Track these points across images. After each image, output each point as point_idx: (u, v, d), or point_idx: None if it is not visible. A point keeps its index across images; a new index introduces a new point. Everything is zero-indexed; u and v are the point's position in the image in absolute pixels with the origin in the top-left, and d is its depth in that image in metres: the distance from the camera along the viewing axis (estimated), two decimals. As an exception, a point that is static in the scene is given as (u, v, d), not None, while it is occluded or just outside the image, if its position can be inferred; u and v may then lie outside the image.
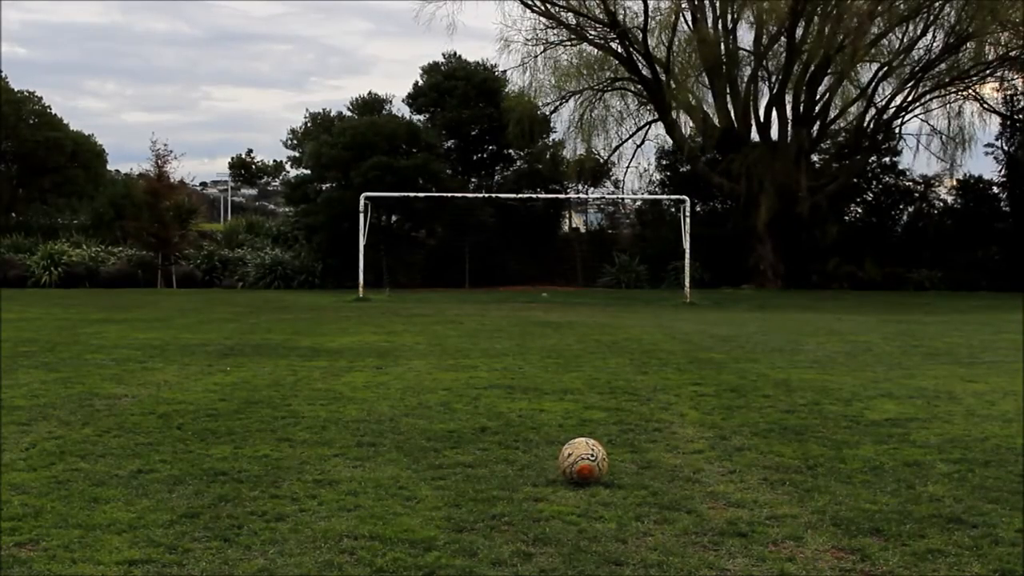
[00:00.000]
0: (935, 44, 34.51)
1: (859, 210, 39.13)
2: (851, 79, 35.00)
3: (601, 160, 38.33)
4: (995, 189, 37.72)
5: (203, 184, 70.81)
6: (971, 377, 10.09)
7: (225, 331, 15.26)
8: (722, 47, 34.59)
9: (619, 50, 34.57)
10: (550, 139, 39.42)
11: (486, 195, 34.80)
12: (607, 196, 40.63)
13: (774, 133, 35.52)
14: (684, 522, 4.70)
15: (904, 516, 4.80)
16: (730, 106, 35.21)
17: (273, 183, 73.89)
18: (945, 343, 14.03)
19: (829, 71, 34.28)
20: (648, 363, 11.23)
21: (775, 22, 33.28)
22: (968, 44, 33.35)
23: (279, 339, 13.92)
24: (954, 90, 35.75)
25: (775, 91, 35.33)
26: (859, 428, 7.19)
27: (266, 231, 39.26)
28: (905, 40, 34.62)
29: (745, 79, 35.73)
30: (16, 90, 42.36)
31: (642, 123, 38.03)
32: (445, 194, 32.36)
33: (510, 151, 39.01)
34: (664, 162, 39.58)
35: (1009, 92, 36.55)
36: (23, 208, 42.56)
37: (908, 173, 38.40)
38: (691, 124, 36.00)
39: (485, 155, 39.52)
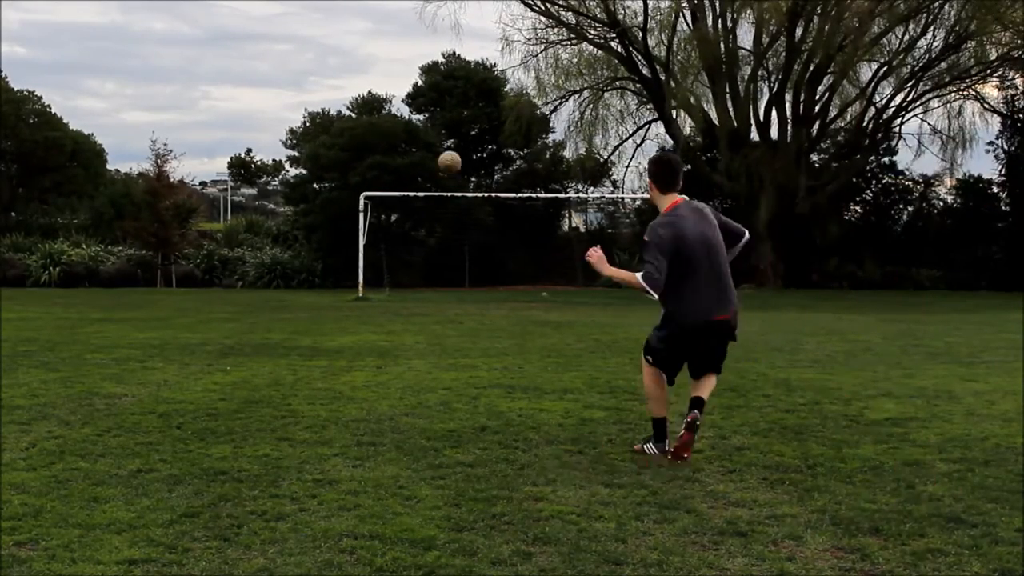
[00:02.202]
0: (935, 44, 34.55)
1: (859, 209, 39.13)
2: (851, 79, 35.02)
3: (601, 159, 38.33)
4: (995, 188, 37.71)
5: (203, 184, 70.80)
6: (971, 377, 10.08)
7: (225, 331, 15.26)
8: (722, 47, 34.59)
9: (619, 49, 34.58)
10: (550, 139, 39.43)
11: (486, 195, 34.80)
12: (607, 196, 40.65)
13: (774, 133, 35.51)
14: (684, 522, 4.69)
15: (904, 516, 4.80)
16: (730, 106, 35.21)
17: (273, 183, 73.88)
18: (945, 343, 14.02)
19: (829, 71, 34.27)
20: (648, 363, 11.20)
21: (775, 22, 33.28)
22: (968, 44, 33.36)
23: (279, 338, 13.91)
24: (954, 89, 35.75)
25: (775, 91, 35.32)
26: (859, 428, 7.18)
27: (266, 231, 39.31)
28: (905, 40, 34.64)
29: (745, 79, 35.74)
30: (16, 90, 42.35)
31: (642, 122, 38.09)
32: (444, 193, 32.36)
33: (510, 151, 39.02)
34: (664, 161, 39.55)
35: (1010, 92, 36.56)
36: (23, 208, 42.56)
37: (908, 173, 38.43)
38: (691, 123, 36.00)
39: (485, 155, 39.51)
